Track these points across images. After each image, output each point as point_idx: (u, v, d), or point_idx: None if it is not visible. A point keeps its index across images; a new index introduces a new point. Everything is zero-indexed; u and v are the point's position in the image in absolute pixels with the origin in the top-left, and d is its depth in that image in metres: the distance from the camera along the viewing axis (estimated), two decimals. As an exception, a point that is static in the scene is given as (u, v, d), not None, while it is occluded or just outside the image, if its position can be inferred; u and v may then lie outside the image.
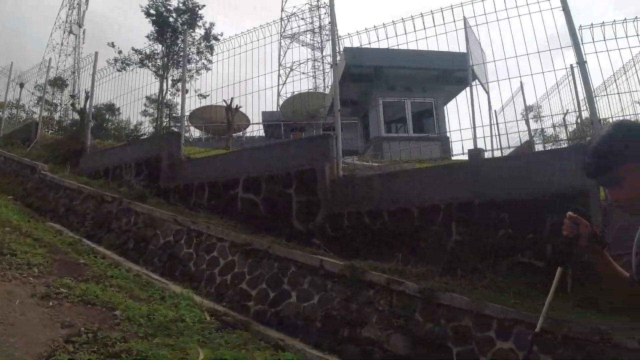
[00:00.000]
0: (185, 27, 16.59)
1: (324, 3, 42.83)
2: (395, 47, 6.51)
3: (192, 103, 24.39)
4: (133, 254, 6.19)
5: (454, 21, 6.05)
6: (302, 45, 39.19)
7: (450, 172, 5.36)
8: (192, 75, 17.10)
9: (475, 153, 8.96)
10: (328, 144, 5.92)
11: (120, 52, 17.23)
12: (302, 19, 41.95)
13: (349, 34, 6.47)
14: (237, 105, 13.31)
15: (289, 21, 40.00)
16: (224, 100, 13.33)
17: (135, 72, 9.83)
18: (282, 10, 43.00)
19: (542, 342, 3.49)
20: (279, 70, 39.25)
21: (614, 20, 5.20)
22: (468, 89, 9.31)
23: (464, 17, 6.54)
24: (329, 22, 39.39)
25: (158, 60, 16.79)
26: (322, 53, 41.17)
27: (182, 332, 3.66)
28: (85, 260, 5.54)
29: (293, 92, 36.77)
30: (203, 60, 16.28)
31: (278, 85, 38.44)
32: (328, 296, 4.54)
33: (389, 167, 6.26)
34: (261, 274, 5.03)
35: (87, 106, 10.35)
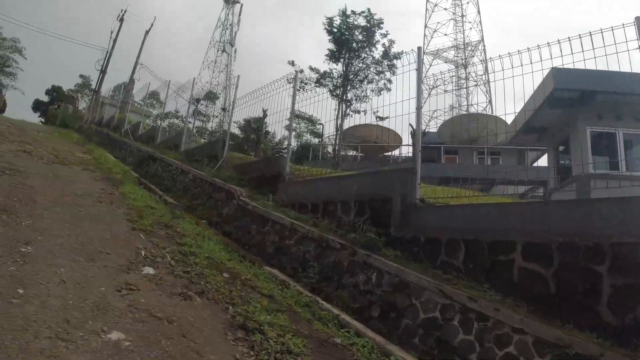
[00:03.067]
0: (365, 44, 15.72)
1: (469, 16, 39.98)
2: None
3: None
4: (379, 326, 4.82)
5: None
6: (445, 62, 36.91)
7: None
8: (367, 95, 16.16)
9: None
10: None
11: (301, 70, 17.27)
12: (445, 34, 39.67)
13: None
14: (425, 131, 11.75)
15: (432, 37, 38.11)
16: (410, 125, 11.94)
17: (314, 92, 8.94)
18: (426, 27, 41.42)
19: None
20: (418, 86, 37.63)
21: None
22: None
23: None
24: (480, 39, 36.40)
25: (336, 80, 16.18)
26: (465, 70, 38.34)
27: None
28: (341, 340, 4.25)
29: (433, 110, 34.61)
30: (383, 81, 15.26)
31: (418, 102, 36.72)
32: None
33: None
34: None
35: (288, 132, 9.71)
